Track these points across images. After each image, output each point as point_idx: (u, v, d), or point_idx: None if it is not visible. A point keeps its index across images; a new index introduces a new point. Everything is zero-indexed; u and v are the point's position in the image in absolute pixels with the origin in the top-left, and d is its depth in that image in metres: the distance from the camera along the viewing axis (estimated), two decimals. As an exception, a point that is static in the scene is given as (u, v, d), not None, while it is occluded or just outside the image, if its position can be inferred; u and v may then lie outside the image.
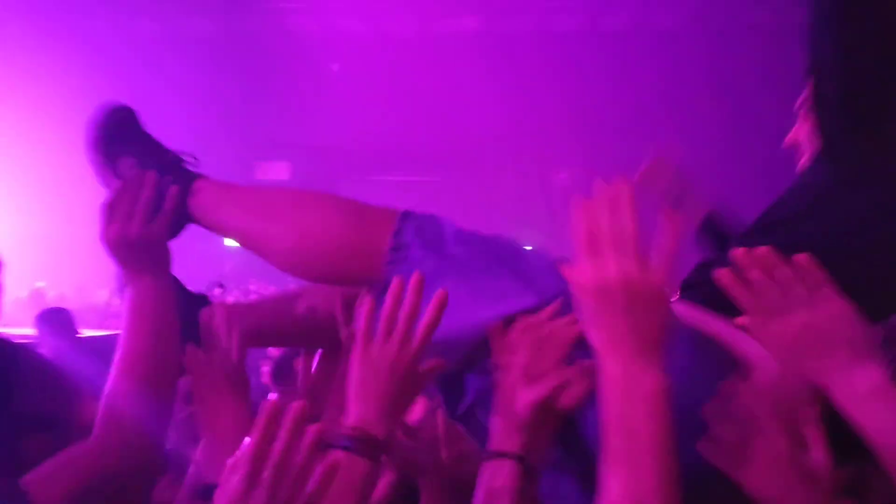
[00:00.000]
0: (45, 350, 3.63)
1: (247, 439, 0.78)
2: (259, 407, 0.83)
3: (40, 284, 7.62)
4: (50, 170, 11.30)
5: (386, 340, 0.93)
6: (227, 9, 12.22)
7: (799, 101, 1.33)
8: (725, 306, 0.92)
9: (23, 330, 3.87)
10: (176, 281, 1.27)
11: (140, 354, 1.14)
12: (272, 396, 2.36)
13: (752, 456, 0.78)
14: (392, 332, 0.93)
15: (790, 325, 0.82)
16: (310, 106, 12.12)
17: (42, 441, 1.14)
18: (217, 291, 5.18)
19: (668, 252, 0.77)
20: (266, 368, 2.76)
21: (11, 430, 1.14)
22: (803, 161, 1.32)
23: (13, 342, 1.44)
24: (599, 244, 0.77)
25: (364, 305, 0.95)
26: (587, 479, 0.87)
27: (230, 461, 0.77)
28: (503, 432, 0.97)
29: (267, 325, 1.33)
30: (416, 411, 1.35)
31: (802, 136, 1.34)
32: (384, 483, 1.27)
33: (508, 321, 1.01)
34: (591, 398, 0.90)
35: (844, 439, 0.84)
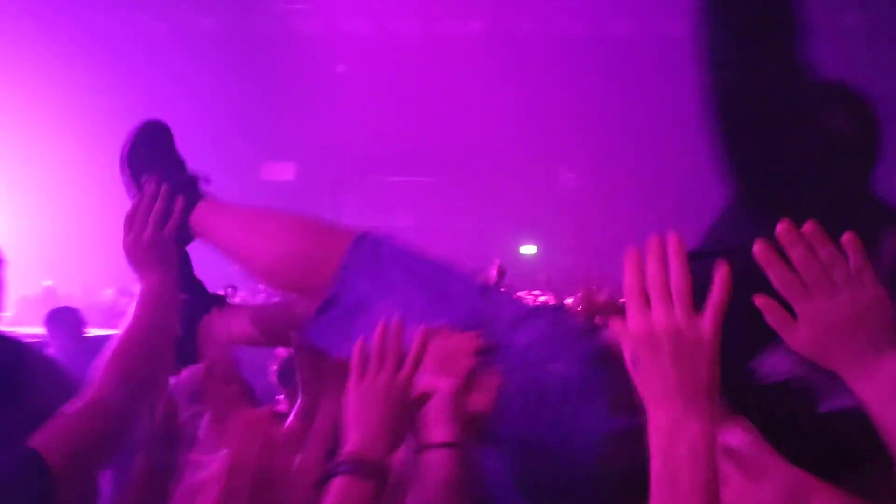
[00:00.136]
0: (53, 349, 3.65)
1: (223, 451, 0.81)
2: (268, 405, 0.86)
3: (47, 283, 7.66)
4: (57, 168, 11.36)
5: (378, 372, 1.01)
6: (234, 9, 12.27)
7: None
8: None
9: (33, 329, 3.90)
10: (197, 282, 1.40)
11: (137, 339, 1.26)
12: (279, 398, 2.37)
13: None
14: (383, 365, 1.02)
15: (834, 306, 0.80)
16: (316, 107, 12.15)
17: None
18: (229, 291, 5.23)
19: (717, 303, 0.78)
20: (274, 367, 2.77)
21: (18, 428, 1.16)
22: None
23: (20, 341, 1.46)
24: (649, 295, 0.80)
25: (356, 343, 1.04)
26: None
27: (205, 475, 0.80)
28: (435, 424, 1.05)
29: (262, 326, 1.47)
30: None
31: None
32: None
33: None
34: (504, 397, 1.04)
35: (847, 451, 0.85)
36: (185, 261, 1.47)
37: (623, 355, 1.09)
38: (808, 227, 0.81)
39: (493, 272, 3.86)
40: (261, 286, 7.37)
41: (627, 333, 0.81)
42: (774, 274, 0.82)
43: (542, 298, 5.94)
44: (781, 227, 0.81)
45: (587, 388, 1.08)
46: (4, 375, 1.28)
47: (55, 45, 11.37)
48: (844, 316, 0.80)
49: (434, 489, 1.00)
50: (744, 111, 1.12)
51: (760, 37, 1.09)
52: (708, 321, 0.78)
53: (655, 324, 0.78)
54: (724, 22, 1.12)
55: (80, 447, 1.10)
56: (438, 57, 11.55)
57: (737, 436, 0.87)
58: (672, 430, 0.75)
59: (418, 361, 1.03)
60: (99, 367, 1.21)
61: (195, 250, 1.49)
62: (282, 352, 2.94)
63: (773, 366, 0.93)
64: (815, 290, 0.80)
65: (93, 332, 3.75)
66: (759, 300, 0.81)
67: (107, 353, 1.24)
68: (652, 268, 0.80)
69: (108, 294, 7.80)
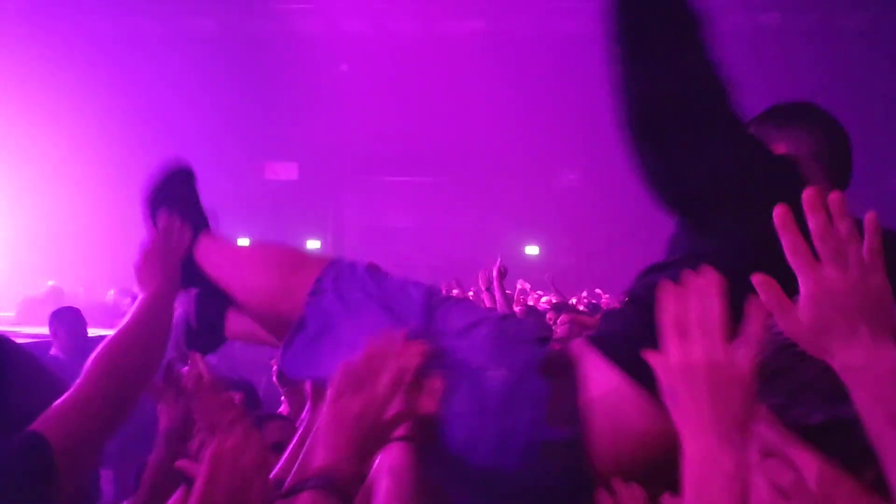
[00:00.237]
0: (56, 349, 3.67)
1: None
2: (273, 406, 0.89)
3: (51, 283, 7.68)
4: (61, 170, 11.38)
5: (354, 394, 1.03)
6: (234, 10, 12.29)
7: None
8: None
9: (37, 329, 3.92)
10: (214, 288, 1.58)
11: (133, 335, 1.36)
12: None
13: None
14: (361, 387, 1.04)
15: (844, 281, 0.78)
16: (317, 107, 12.17)
17: None
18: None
19: (754, 337, 0.79)
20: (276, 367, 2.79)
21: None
22: None
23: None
24: (686, 328, 0.80)
25: (339, 367, 1.07)
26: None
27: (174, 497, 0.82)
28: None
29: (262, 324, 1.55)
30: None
31: None
32: None
33: None
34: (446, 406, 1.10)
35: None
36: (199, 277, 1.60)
37: (564, 367, 1.12)
38: (833, 196, 0.79)
39: (494, 272, 3.87)
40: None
41: (665, 366, 0.82)
42: (788, 240, 0.79)
43: (544, 299, 5.96)
44: (808, 193, 0.79)
45: (527, 397, 1.10)
46: None
47: (57, 46, 11.40)
48: (852, 294, 0.78)
49: (390, 480, 1.04)
50: (651, 120, 1.15)
51: (664, 48, 1.11)
52: (745, 356, 0.79)
53: (693, 357, 0.79)
54: (630, 34, 1.15)
55: (81, 429, 1.13)
56: (439, 57, 11.56)
57: (777, 472, 0.86)
58: (706, 464, 0.76)
59: (395, 386, 1.05)
60: (96, 357, 1.26)
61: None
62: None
63: None
64: (826, 262, 0.79)
65: (95, 332, 3.77)
66: (757, 278, 0.80)
67: (104, 345, 1.31)
68: (691, 302, 0.81)
69: (110, 295, 7.82)
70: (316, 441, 1.04)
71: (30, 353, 1.40)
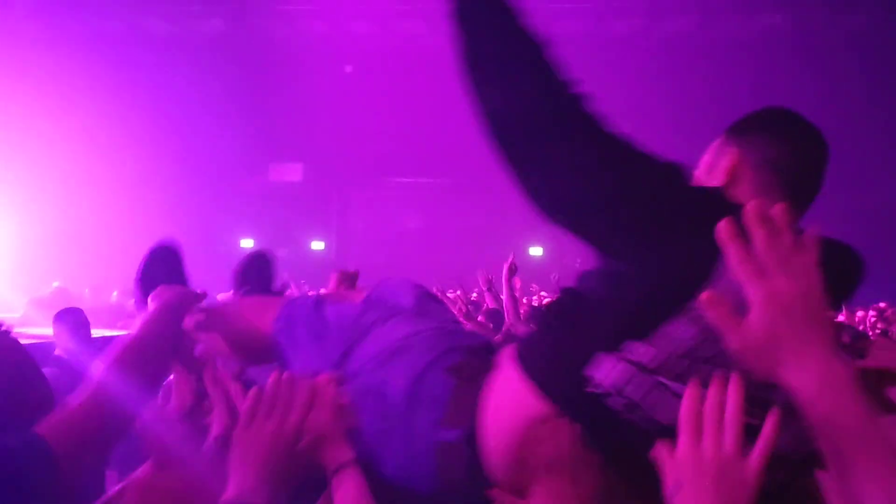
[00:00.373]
0: (60, 349, 3.68)
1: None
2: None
3: (56, 284, 7.71)
4: (65, 171, 11.43)
5: (267, 419, 1.04)
6: (241, 11, 12.32)
7: None
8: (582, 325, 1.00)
9: (43, 330, 3.93)
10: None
11: (144, 342, 1.33)
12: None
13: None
14: (271, 413, 1.05)
15: (793, 288, 0.79)
16: (323, 108, 12.19)
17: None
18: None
19: (765, 446, 0.79)
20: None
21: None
22: None
23: None
24: (704, 424, 0.82)
25: (251, 391, 1.07)
26: None
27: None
28: (332, 446, 1.09)
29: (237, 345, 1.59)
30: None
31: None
32: None
33: None
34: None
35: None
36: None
37: (478, 371, 1.12)
38: (777, 208, 0.80)
39: (505, 269, 3.92)
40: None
41: (674, 459, 0.83)
42: (734, 253, 0.80)
43: (547, 300, 5.96)
44: (752, 205, 0.79)
45: (427, 399, 1.12)
46: None
47: (63, 47, 11.45)
48: (802, 300, 0.79)
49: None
50: (504, 139, 1.13)
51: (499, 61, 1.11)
52: (754, 461, 0.80)
53: (705, 453, 0.81)
54: (469, 59, 1.15)
55: (84, 436, 1.13)
56: (444, 58, 11.55)
57: None
58: None
59: (307, 409, 1.05)
60: (105, 362, 1.24)
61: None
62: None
63: (605, 374, 0.92)
64: (774, 272, 0.79)
65: (100, 332, 3.78)
66: (705, 295, 0.80)
67: (114, 349, 1.29)
68: (712, 400, 0.83)
69: (114, 296, 7.84)
70: (229, 469, 1.03)
71: (23, 349, 1.40)
